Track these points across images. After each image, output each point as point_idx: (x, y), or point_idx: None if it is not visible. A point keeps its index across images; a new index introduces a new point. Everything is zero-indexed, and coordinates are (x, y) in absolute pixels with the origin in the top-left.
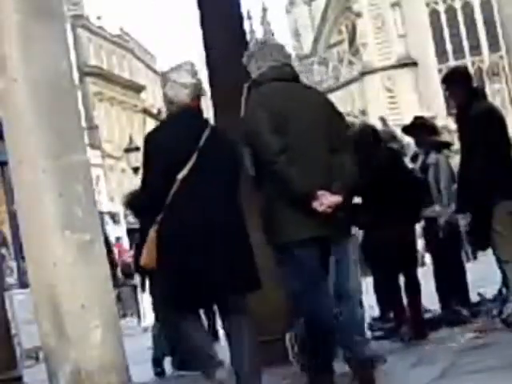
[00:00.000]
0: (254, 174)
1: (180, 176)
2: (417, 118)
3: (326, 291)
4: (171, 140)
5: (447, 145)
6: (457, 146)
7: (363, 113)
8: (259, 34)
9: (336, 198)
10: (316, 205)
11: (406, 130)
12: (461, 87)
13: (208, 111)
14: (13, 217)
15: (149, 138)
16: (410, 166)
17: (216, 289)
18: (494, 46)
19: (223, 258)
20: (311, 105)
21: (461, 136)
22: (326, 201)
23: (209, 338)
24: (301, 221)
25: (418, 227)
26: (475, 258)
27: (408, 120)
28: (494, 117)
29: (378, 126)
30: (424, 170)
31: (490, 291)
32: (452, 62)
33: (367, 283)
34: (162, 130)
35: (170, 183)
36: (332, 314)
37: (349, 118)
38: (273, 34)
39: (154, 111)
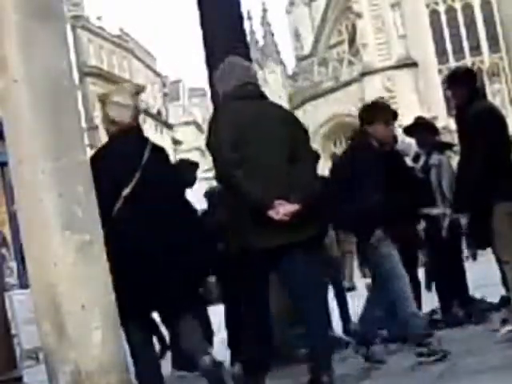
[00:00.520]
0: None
1: (124, 193)
2: (418, 119)
3: (264, 301)
4: (116, 159)
5: (449, 145)
6: (458, 146)
7: None
8: (259, 34)
9: (292, 207)
10: (272, 213)
11: (408, 130)
12: (463, 87)
13: (208, 111)
14: (13, 217)
15: (94, 159)
16: (412, 165)
17: (154, 299)
18: (494, 47)
19: (161, 272)
20: (273, 121)
21: (460, 136)
22: (283, 210)
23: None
24: (257, 230)
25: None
26: (475, 259)
27: (408, 121)
28: (494, 116)
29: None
30: (426, 171)
31: (491, 291)
32: (452, 63)
33: (367, 284)
34: (107, 149)
35: (116, 199)
36: (266, 325)
37: (349, 119)
38: (273, 35)
39: (154, 112)
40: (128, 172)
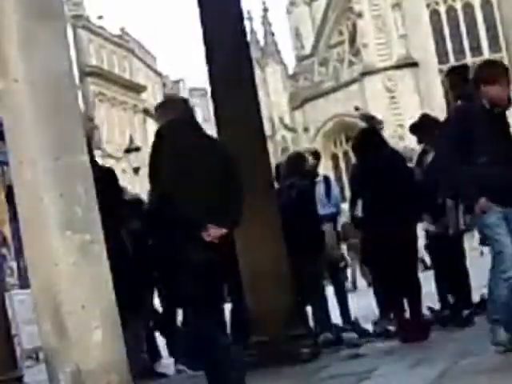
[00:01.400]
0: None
1: None
2: (424, 116)
3: (207, 313)
4: None
5: None
6: None
7: None
8: (260, 34)
9: (220, 231)
10: (204, 235)
11: (414, 128)
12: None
13: (209, 110)
14: (13, 217)
15: None
16: (413, 167)
17: None
18: (494, 46)
19: None
20: (206, 152)
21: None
22: (213, 233)
23: None
24: (193, 248)
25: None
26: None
27: (409, 120)
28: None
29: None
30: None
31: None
32: (453, 63)
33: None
34: None
35: None
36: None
37: (349, 119)
38: (273, 35)
39: None
40: None
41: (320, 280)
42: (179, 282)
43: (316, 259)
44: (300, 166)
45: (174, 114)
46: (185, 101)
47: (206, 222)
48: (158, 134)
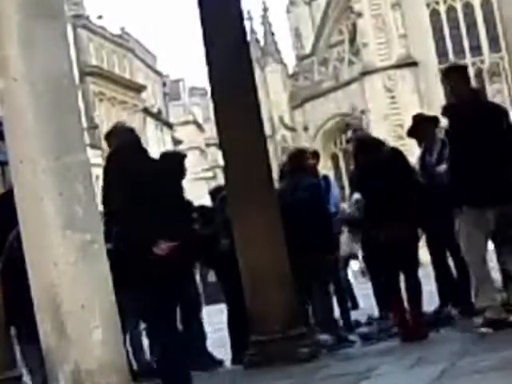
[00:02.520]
0: None
1: None
2: (416, 116)
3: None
4: None
5: None
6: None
7: (363, 113)
8: (260, 33)
9: (171, 245)
10: (156, 249)
11: (411, 132)
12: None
13: (208, 110)
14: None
15: None
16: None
17: None
18: (494, 46)
19: None
20: (152, 172)
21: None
22: (164, 246)
23: None
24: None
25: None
26: None
27: (409, 120)
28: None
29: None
30: (440, 162)
31: None
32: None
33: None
34: None
35: None
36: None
37: (349, 119)
38: (273, 34)
39: (155, 111)
40: None
41: (327, 279)
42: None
43: (326, 258)
44: (303, 163)
45: (121, 140)
46: (131, 129)
47: (156, 237)
48: (108, 159)
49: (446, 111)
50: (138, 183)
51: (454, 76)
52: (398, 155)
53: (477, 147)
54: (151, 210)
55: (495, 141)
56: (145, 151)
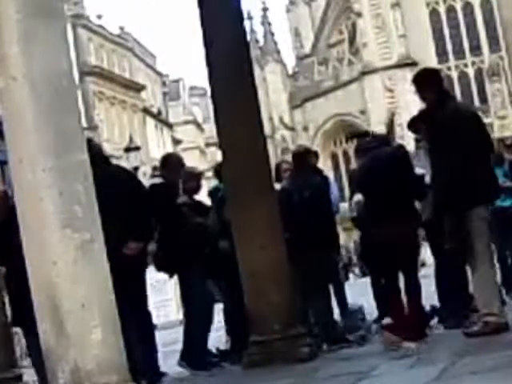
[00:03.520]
0: None
1: None
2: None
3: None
4: None
5: None
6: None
7: (363, 113)
8: (260, 33)
9: (136, 245)
10: (125, 250)
11: (410, 126)
12: (432, 89)
13: (208, 110)
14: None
15: None
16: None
17: None
18: (494, 46)
19: None
20: (116, 181)
21: (434, 137)
22: (132, 246)
23: None
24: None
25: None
26: None
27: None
28: (473, 116)
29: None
30: None
31: None
32: (452, 62)
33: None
34: None
35: None
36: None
37: (349, 119)
38: (273, 34)
39: (154, 111)
40: None
41: (328, 280)
42: None
43: (329, 258)
44: (308, 162)
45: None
46: (89, 139)
47: (125, 239)
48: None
49: (412, 123)
50: (98, 189)
51: (422, 83)
52: (400, 153)
53: (452, 153)
54: (115, 216)
55: (470, 145)
56: (106, 158)
